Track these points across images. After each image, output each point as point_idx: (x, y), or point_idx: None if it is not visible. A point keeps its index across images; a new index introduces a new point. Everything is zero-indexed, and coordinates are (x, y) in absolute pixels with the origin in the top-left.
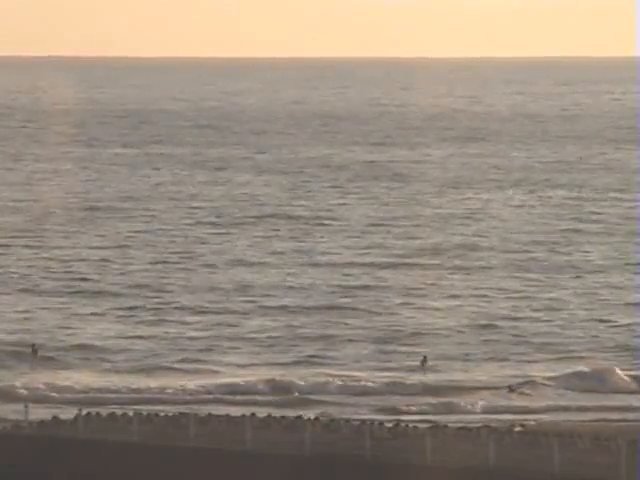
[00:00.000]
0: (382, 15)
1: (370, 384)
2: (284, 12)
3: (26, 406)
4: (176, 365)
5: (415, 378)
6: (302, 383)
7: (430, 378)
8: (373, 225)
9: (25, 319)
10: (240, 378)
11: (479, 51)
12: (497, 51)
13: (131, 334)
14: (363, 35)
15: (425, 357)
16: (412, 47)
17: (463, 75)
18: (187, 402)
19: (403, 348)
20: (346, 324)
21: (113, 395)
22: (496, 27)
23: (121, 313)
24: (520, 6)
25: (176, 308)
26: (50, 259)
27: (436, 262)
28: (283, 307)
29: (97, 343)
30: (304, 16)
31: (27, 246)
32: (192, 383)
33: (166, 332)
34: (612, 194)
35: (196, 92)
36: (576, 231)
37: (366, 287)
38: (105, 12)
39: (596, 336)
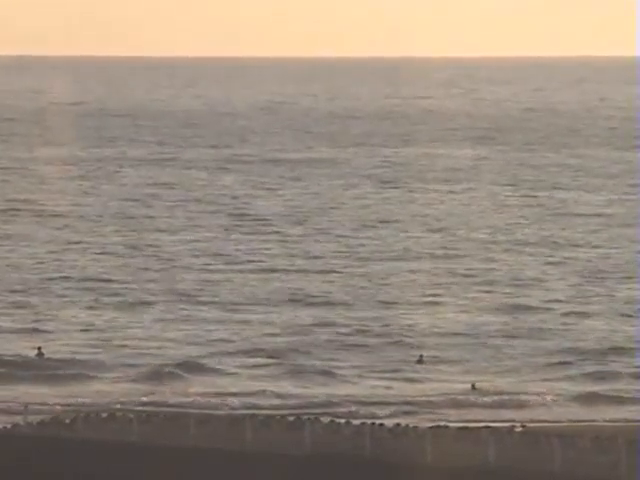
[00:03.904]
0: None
1: None
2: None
3: (25, 406)
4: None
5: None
6: None
7: None
8: None
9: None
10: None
11: (478, 51)
12: (496, 50)
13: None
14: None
15: (422, 355)
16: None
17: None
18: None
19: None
20: None
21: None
22: (496, 27)
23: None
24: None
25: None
26: (46, 261)
27: None
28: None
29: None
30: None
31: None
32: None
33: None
34: None
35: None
36: None
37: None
38: (107, 11)
39: None
